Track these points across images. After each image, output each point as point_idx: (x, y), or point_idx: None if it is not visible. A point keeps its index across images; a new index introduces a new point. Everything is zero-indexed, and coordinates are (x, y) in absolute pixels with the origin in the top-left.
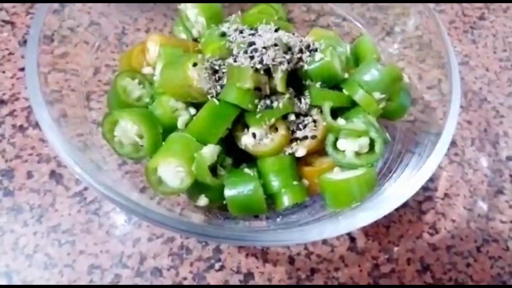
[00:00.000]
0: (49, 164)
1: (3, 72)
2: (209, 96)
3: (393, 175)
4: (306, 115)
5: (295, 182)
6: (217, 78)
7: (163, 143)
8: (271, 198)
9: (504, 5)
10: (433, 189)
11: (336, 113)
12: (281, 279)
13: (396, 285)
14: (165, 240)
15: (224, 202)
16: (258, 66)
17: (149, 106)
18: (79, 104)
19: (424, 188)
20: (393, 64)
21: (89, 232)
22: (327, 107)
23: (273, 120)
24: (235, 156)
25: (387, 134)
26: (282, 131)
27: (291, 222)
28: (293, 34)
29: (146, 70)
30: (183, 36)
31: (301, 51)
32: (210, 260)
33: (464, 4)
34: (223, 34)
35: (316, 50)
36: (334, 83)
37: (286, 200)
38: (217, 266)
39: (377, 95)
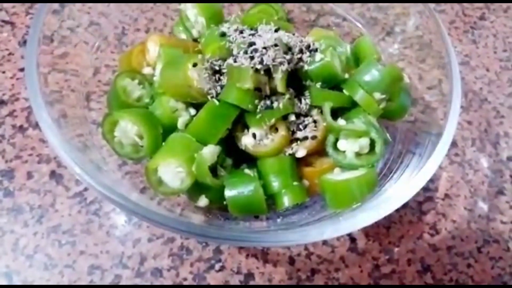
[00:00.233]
0: (49, 164)
1: (3, 72)
2: (209, 97)
3: (393, 176)
4: (306, 115)
5: (295, 183)
6: (217, 79)
7: (163, 143)
8: (271, 199)
9: (505, 5)
10: (434, 190)
11: (336, 113)
12: (282, 280)
13: (397, 285)
14: (165, 240)
15: (225, 202)
16: (258, 66)
17: (149, 107)
18: (79, 105)
19: (425, 189)
20: (393, 64)
21: (89, 232)
22: (327, 107)
23: (273, 120)
24: (235, 156)
25: (388, 135)
26: (282, 131)
27: (291, 223)
28: (293, 34)
29: (146, 70)
30: (183, 36)
31: (301, 51)
32: (211, 260)
33: (465, 4)
34: (223, 34)
35: (316, 50)
36: (334, 84)
37: (286, 201)
38: (217, 266)
39: (378, 95)
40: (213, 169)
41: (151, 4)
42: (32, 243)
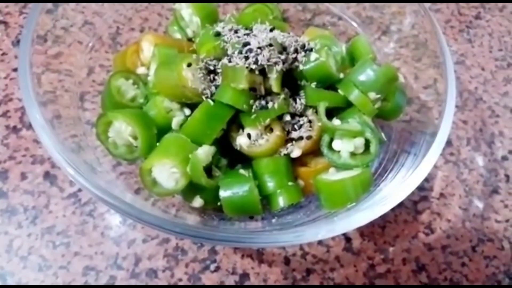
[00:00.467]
0: (43, 165)
1: None
2: (203, 97)
3: (388, 175)
4: (301, 115)
5: (290, 183)
6: (211, 79)
7: (157, 144)
8: (266, 199)
9: (500, 4)
10: (429, 189)
11: (331, 113)
12: (277, 280)
13: (392, 285)
14: (160, 241)
15: (219, 203)
16: (253, 66)
17: (144, 107)
18: (72, 105)
19: (420, 188)
20: (389, 64)
21: (84, 233)
22: (322, 107)
23: (268, 120)
24: (230, 157)
25: (383, 134)
26: (277, 131)
27: (286, 223)
28: (288, 33)
29: (141, 70)
30: (178, 35)
31: (296, 51)
32: (206, 261)
33: (460, 4)
34: (218, 34)
35: (311, 50)
36: (329, 83)
37: (281, 201)
38: (212, 267)
39: (373, 95)
40: (208, 170)
41: (145, 4)
42: (26, 245)
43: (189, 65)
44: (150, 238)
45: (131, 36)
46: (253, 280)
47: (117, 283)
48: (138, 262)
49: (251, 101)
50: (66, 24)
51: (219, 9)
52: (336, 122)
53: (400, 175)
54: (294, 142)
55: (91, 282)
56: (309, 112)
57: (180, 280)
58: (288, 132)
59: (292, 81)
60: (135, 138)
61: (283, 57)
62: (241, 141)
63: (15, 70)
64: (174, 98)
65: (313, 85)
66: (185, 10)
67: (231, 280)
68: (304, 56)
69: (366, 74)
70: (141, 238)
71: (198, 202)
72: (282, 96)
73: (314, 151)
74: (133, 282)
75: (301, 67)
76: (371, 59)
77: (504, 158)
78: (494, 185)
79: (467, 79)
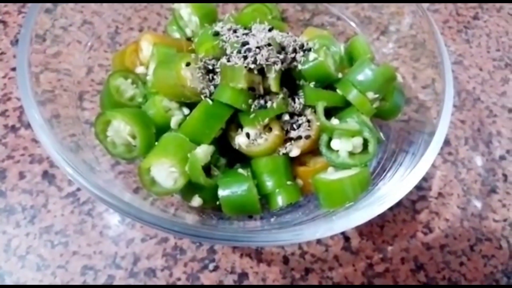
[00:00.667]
0: (41, 164)
1: None
2: (202, 96)
3: (387, 175)
4: (300, 115)
5: (289, 182)
6: (210, 78)
7: (156, 143)
8: (265, 198)
9: (498, 4)
10: (427, 189)
11: (330, 113)
12: (276, 279)
13: (390, 284)
14: (159, 240)
15: (218, 202)
16: (252, 66)
17: (142, 106)
18: (71, 104)
19: (418, 188)
20: (387, 64)
21: (82, 233)
22: (320, 107)
23: (267, 120)
24: (229, 156)
25: (381, 134)
26: (276, 131)
27: (285, 222)
28: (287, 33)
29: (139, 69)
30: (177, 35)
31: (294, 50)
32: (204, 260)
33: (458, 4)
34: (217, 34)
35: (310, 50)
36: (328, 83)
37: (280, 200)
38: (211, 266)
39: (371, 94)
40: (207, 169)
41: (144, 3)
42: (25, 244)
43: (188, 64)
44: (149, 238)
45: (130, 35)
46: (251, 280)
47: (116, 282)
48: (136, 261)
49: (250, 101)
50: (65, 23)
51: (218, 8)
52: (334, 121)
53: (398, 175)
54: (292, 141)
55: (90, 281)
56: (308, 111)
57: (179, 279)
58: (287, 132)
59: (290, 80)
60: (134, 137)
61: (281, 56)
62: (240, 140)
63: (13, 69)
64: (173, 98)
65: (312, 84)
66: (184, 9)
67: (229, 280)
68: (303, 56)
69: (364, 74)
70: (139, 238)
71: (196, 201)
72: (281, 95)
73: (313, 151)
74: (131, 281)
75: (299, 66)
76: (369, 59)
77: (502, 157)
78: (492, 184)
79: (465, 79)
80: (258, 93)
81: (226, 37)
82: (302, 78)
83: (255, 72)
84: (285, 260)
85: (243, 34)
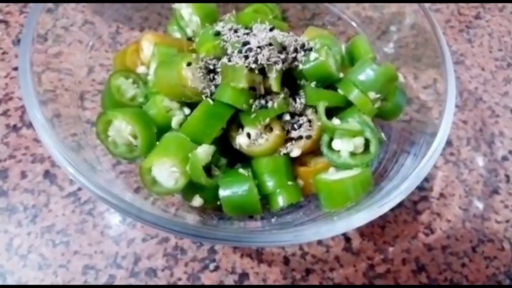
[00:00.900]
0: (43, 164)
1: None
2: (203, 96)
3: (388, 175)
4: (301, 115)
5: (290, 183)
6: (211, 78)
7: (157, 143)
8: (265, 199)
9: (500, 4)
10: (429, 189)
11: (331, 113)
12: (276, 280)
13: (391, 285)
14: (160, 240)
15: (219, 202)
16: (253, 65)
17: (143, 106)
18: (72, 104)
19: (420, 188)
20: (388, 64)
21: (84, 232)
22: (322, 107)
23: (268, 120)
24: (229, 156)
25: (382, 134)
26: (277, 131)
27: (286, 223)
28: (288, 33)
29: (140, 69)
30: (178, 35)
31: (296, 50)
32: (205, 260)
33: (460, 4)
34: (218, 34)
35: (311, 49)
36: (329, 83)
37: (281, 201)
38: (211, 266)
39: (372, 94)
40: (208, 169)
41: (145, 3)
42: (26, 243)
43: (188, 64)
44: (150, 237)
45: (131, 35)
46: (252, 280)
47: (117, 282)
48: (137, 261)
49: (251, 101)
50: (66, 23)
51: (218, 8)
52: (335, 121)
53: (400, 175)
54: (293, 141)
55: (91, 281)
56: (309, 111)
57: (180, 279)
58: (288, 132)
59: (291, 80)
60: (135, 137)
61: (282, 56)
62: (240, 140)
63: (15, 69)
64: (173, 97)
65: (313, 84)
66: (185, 9)
67: (230, 280)
68: (304, 55)
69: (365, 74)
70: (140, 237)
71: (197, 201)
72: (282, 95)
73: (314, 151)
74: (132, 281)
75: (300, 66)
76: (370, 58)
77: (504, 158)
78: (494, 185)
79: (467, 79)
80: (259, 93)
81: (227, 37)
82: (303, 78)
83: (256, 72)
84: (286, 261)
85: (244, 34)
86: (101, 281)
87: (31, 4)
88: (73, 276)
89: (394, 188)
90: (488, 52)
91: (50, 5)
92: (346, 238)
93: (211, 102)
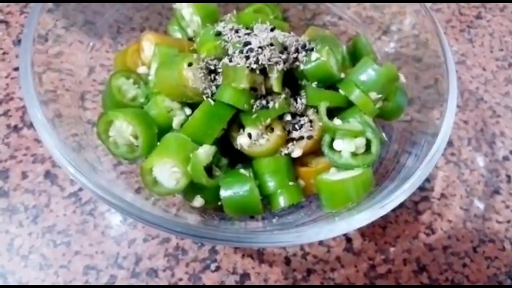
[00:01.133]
0: (44, 164)
1: None
2: (204, 96)
3: (389, 176)
4: (302, 115)
5: (291, 183)
6: (212, 78)
7: (158, 143)
8: (267, 199)
9: (501, 4)
10: (430, 189)
11: (332, 113)
12: (277, 280)
13: (393, 285)
14: (161, 240)
15: (220, 203)
16: (254, 66)
17: (144, 106)
18: (73, 104)
19: (421, 188)
20: (390, 64)
21: (84, 232)
22: (323, 107)
23: (269, 120)
24: (230, 156)
25: (384, 134)
26: (278, 131)
27: (287, 223)
28: (289, 33)
29: (141, 69)
30: (178, 35)
31: (297, 50)
32: (206, 260)
33: (461, 3)
34: (219, 34)
35: (312, 49)
36: (330, 83)
37: (282, 201)
38: (213, 266)
39: (374, 95)
40: (209, 169)
41: (146, 3)
42: (27, 243)
43: (189, 64)
44: (151, 238)
45: (131, 35)
46: (253, 280)
47: (118, 282)
48: (138, 261)
49: (252, 101)
50: (67, 23)
51: (219, 8)
52: (337, 122)
53: (401, 176)
54: (294, 142)
55: (92, 281)
56: (310, 112)
57: (181, 279)
58: (289, 132)
59: (293, 80)
60: (136, 137)
61: (284, 56)
62: (241, 140)
63: (16, 69)
64: (174, 98)
65: (314, 84)
66: (186, 9)
67: (231, 280)
68: (305, 55)
69: (367, 74)
70: (141, 238)
71: (198, 201)
72: (283, 95)
73: (315, 151)
74: (133, 281)
75: (302, 66)
76: (371, 59)
77: (506, 158)
78: (495, 185)
79: (468, 79)
80: (260, 93)
81: (228, 37)
82: (304, 78)
83: (257, 72)
84: (287, 261)
85: (245, 34)
86: (102, 281)
87: (31, 4)
88: (74, 276)
89: (395, 189)
90: (489, 52)
91: (50, 5)
92: (347, 238)
93: (212, 102)
